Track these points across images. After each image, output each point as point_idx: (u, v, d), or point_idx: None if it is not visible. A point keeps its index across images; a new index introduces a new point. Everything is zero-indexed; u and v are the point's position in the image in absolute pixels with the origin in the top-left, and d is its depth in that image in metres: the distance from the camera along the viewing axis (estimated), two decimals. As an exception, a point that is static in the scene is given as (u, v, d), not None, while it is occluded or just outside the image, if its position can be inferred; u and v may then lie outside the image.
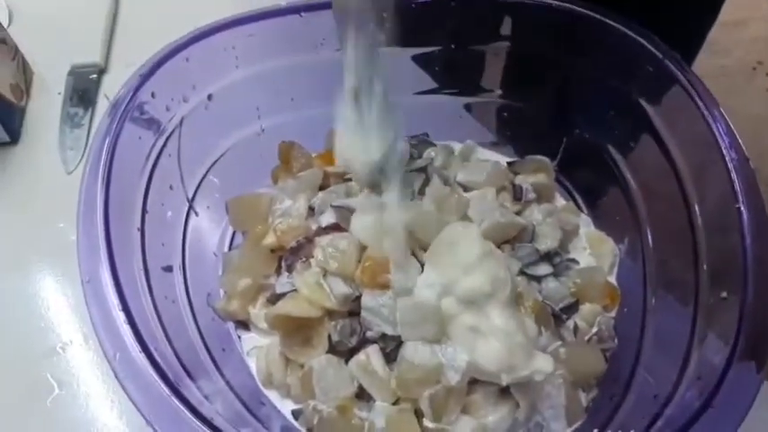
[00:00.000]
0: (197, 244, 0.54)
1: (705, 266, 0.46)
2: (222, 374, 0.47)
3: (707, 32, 0.76)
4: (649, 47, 0.51)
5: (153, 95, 0.49)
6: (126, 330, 0.40)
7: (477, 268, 0.45)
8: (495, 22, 0.57)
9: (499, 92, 0.61)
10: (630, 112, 0.53)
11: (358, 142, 0.48)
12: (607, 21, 0.53)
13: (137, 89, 0.48)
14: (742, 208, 0.44)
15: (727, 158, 0.46)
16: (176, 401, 0.38)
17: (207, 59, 0.52)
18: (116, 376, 0.39)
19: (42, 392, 0.53)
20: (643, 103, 0.52)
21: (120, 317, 0.40)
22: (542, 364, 0.45)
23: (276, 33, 0.54)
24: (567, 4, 0.54)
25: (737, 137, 0.47)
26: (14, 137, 0.67)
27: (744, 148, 0.47)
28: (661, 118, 0.51)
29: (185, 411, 0.38)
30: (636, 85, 0.53)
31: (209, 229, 0.56)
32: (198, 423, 0.37)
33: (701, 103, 0.48)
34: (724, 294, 0.44)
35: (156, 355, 0.40)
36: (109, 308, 0.40)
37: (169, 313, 0.46)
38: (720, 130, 0.47)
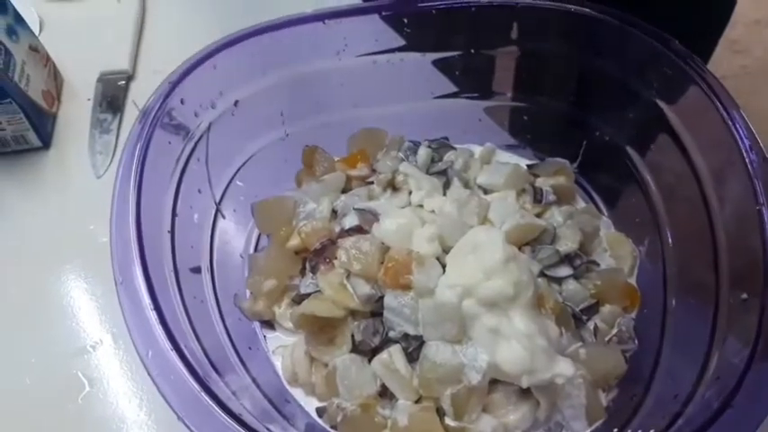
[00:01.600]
0: (224, 246, 0.55)
1: (725, 268, 0.46)
2: (249, 372, 0.48)
3: (722, 31, 0.75)
4: (667, 50, 0.51)
5: (182, 102, 0.50)
6: (158, 330, 0.41)
7: (500, 272, 0.46)
8: (515, 26, 0.57)
9: (519, 95, 0.61)
10: (650, 114, 0.53)
11: None
12: (625, 25, 0.53)
13: (166, 96, 0.49)
14: (763, 209, 0.45)
15: (747, 160, 0.46)
16: (206, 397, 0.39)
17: (234, 66, 0.53)
18: (149, 374, 0.40)
19: (74, 390, 0.55)
20: (662, 105, 0.53)
21: (153, 316, 0.41)
22: (563, 368, 0.46)
23: (301, 40, 0.55)
24: (586, 9, 0.54)
25: (758, 138, 0.47)
26: (46, 142, 0.69)
27: (764, 149, 0.47)
28: (680, 120, 0.52)
29: (215, 407, 0.39)
30: (655, 87, 0.53)
31: (236, 231, 0.57)
32: (227, 419, 0.38)
33: (720, 105, 0.48)
34: (744, 296, 0.44)
35: (186, 352, 0.41)
36: (141, 308, 0.42)
37: (198, 313, 0.47)
38: (740, 132, 0.47)
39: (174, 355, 0.40)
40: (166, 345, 0.40)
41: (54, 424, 0.54)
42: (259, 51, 0.54)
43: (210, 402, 0.39)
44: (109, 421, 0.54)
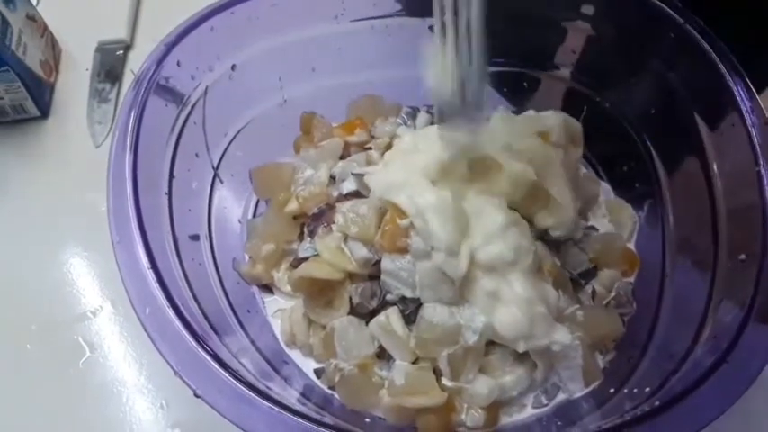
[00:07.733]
0: (222, 212, 0.55)
1: (724, 230, 0.46)
2: (247, 334, 0.48)
3: None
4: (671, 12, 0.51)
5: (178, 64, 0.50)
6: (155, 287, 0.41)
7: (500, 237, 0.46)
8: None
9: (518, 61, 0.61)
10: (650, 78, 0.53)
11: (445, 69, 0.44)
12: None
13: (162, 58, 0.49)
14: (762, 171, 0.44)
15: (747, 123, 0.46)
16: (203, 353, 0.39)
17: (231, 29, 0.53)
18: (146, 330, 0.40)
19: (75, 355, 0.56)
20: (663, 69, 0.52)
21: (150, 275, 0.41)
22: (561, 335, 0.46)
23: (298, 4, 0.55)
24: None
25: (759, 101, 0.47)
26: (44, 112, 0.69)
27: (765, 112, 0.46)
28: (681, 83, 0.51)
29: (213, 363, 0.39)
30: (657, 51, 0.52)
31: (234, 197, 0.57)
32: (225, 374, 0.39)
33: (722, 68, 0.48)
34: (742, 257, 0.44)
35: (183, 311, 0.41)
36: (139, 266, 0.42)
37: (196, 275, 0.47)
38: (741, 94, 0.47)
39: (171, 313, 0.40)
40: (164, 302, 0.40)
41: (55, 388, 0.55)
42: (257, 15, 0.53)
43: (208, 358, 0.39)
44: (109, 385, 0.54)
